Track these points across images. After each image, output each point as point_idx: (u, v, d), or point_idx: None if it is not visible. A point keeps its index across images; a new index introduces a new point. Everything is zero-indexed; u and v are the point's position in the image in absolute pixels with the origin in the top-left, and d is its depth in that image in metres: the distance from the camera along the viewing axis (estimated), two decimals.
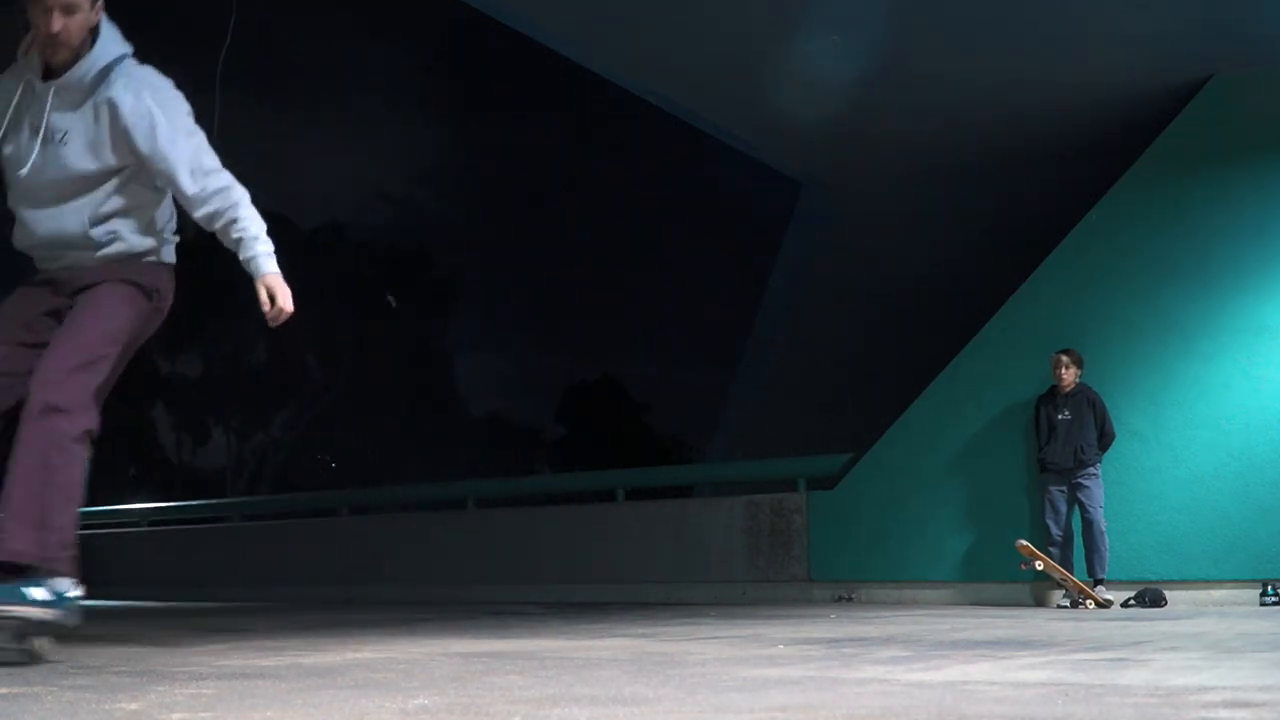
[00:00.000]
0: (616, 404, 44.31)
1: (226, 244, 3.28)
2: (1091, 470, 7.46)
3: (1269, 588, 6.99)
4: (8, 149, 3.16)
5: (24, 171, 3.13)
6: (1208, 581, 7.39)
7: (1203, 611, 6.43)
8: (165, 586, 12.66)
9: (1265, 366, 7.62)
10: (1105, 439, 7.56)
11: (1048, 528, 7.48)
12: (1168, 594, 7.22)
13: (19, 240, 3.27)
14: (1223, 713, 1.81)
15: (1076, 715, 1.79)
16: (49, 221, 3.20)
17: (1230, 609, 6.75)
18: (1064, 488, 7.50)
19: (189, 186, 3.18)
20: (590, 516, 10.51)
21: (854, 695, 2.11)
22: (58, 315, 3.21)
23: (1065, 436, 7.52)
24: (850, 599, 8.36)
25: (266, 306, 3.28)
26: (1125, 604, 7.18)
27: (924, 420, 8.57)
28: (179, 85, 3.27)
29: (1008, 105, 9.35)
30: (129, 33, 3.25)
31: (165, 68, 3.29)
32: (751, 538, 9.03)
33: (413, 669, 2.72)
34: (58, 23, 2.99)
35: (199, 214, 3.23)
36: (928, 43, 8.40)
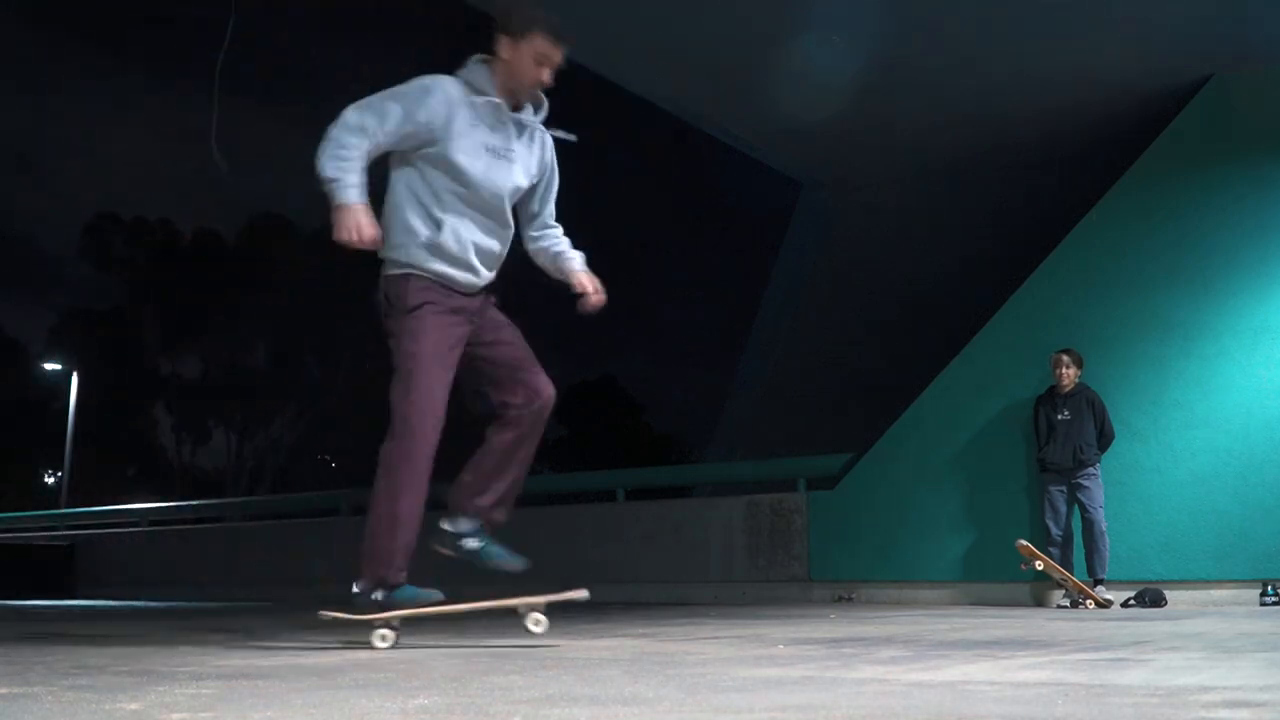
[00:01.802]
0: (616, 404, 44.33)
1: (546, 263, 3.88)
2: (1091, 470, 7.45)
3: (1269, 588, 6.99)
4: (462, 158, 3.50)
5: (478, 179, 3.54)
6: (1208, 581, 7.39)
7: (1203, 611, 6.43)
8: (165, 586, 12.66)
9: (1265, 366, 7.62)
10: (1105, 439, 7.56)
11: (1048, 528, 7.47)
12: (1168, 594, 7.22)
13: (444, 248, 3.54)
14: (1223, 713, 1.81)
15: (1076, 715, 1.79)
16: (484, 236, 3.63)
17: (1230, 609, 6.74)
18: (1064, 488, 7.50)
19: (549, 219, 3.86)
20: (590, 516, 10.51)
21: (854, 695, 2.11)
22: (463, 343, 3.64)
23: (1065, 436, 7.52)
24: (850, 599, 8.36)
25: (588, 289, 3.80)
26: (1125, 604, 7.18)
27: (924, 420, 8.57)
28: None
29: (1008, 105, 9.35)
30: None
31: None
32: (751, 538, 9.03)
33: (413, 669, 2.72)
34: (549, 78, 3.58)
35: (537, 242, 3.86)
36: (927, 43, 8.40)
